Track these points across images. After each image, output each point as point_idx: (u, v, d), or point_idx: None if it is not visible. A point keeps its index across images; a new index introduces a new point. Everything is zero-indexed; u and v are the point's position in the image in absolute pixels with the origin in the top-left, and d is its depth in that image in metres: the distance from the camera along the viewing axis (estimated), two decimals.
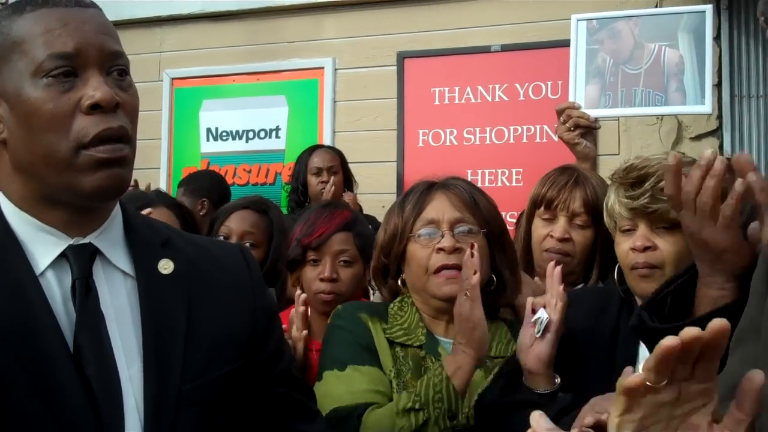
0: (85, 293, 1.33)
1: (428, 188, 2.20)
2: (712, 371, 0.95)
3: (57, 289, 1.34)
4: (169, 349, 1.34)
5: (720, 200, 1.55)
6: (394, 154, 5.17)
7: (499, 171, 4.95)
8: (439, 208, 2.14)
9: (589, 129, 2.82)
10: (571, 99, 2.88)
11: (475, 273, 1.92)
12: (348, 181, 4.54)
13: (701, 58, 2.74)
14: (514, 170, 4.91)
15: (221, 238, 2.99)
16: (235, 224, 3.06)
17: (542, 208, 2.46)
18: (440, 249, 2.07)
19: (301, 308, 2.36)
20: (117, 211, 1.46)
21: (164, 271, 1.43)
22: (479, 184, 4.76)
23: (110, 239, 1.42)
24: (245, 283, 1.54)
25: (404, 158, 5.14)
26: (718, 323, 0.89)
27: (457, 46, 5.10)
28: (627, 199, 1.95)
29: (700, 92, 2.73)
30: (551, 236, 2.43)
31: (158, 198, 2.97)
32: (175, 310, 1.40)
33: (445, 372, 1.90)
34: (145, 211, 2.41)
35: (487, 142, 5.00)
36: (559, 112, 2.86)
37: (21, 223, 1.37)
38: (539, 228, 2.47)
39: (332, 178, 4.38)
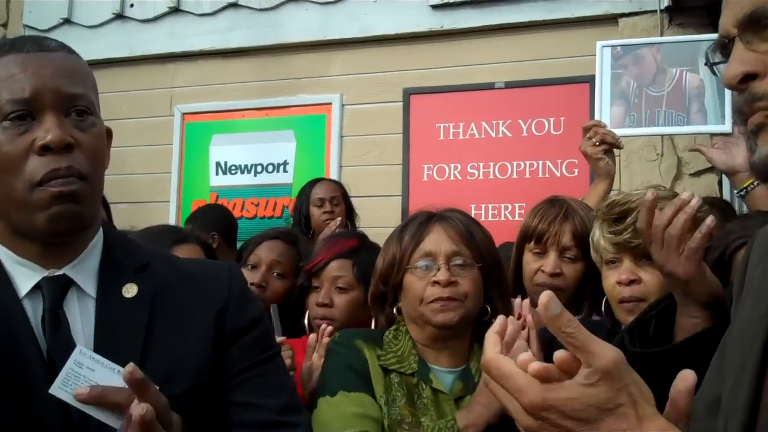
0: (55, 324, 1.39)
1: (427, 219, 2.25)
2: None
3: (32, 316, 1.40)
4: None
5: (687, 235, 1.65)
6: (399, 189, 5.25)
7: (502, 205, 5.02)
8: (437, 240, 2.19)
9: (612, 146, 2.93)
10: (596, 118, 3.00)
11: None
12: (350, 213, 4.57)
13: (720, 82, 2.84)
14: (517, 205, 4.98)
15: (249, 266, 3.06)
16: (264, 253, 3.10)
17: (533, 242, 2.52)
18: (435, 282, 2.13)
19: (325, 339, 2.39)
20: (97, 240, 1.52)
21: (127, 294, 1.47)
22: (482, 219, 4.94)
23: (86, 269, 1.48)
24: (220, 299, 1.56)
25: (409, 192, 5.22)
26: (544, 296, 0.97)
27: (462, 83, 5.20)
28: (611, 234, 2.03)
29: (720, 112, 2.84)
30: (542, 271, 2.48)
31: (192, 237, 3.02)
32: (132, 332, 1.44)
33: (457, 425, 1.96)
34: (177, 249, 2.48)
35: (491, 176, 5.08)
36: (586, 129, 2.97)
37: (2, 255, 1.45)
38: (530, 262, 2.53)
39: (337, 209, 4.42)
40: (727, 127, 2.83)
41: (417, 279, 2.16)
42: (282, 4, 5.64)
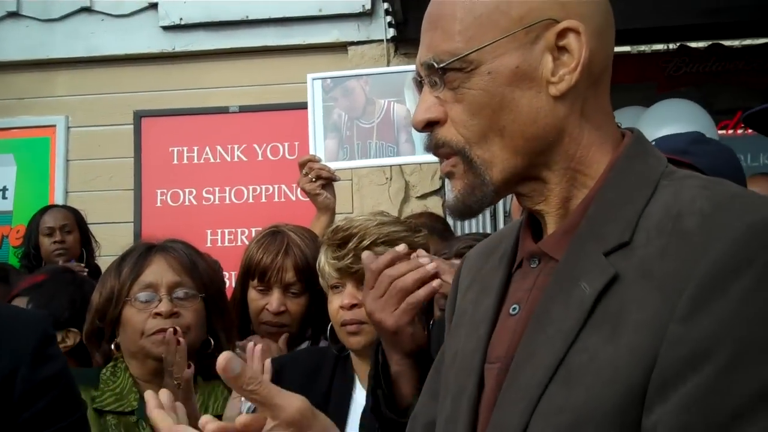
0: None
1: (147, 250, 2.19)
2: None
3: None
4: None
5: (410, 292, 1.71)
6: (131, 215, 5.07)
7: (239, 230, 4.99)
8: (158, 271, 2.14)
9: (329, 180, 2.94)
10: (311, 152, 3.01)
11: None
12: (86, 242, 4.36)
13: None
14: (253, 229, 4.94)
15: None
16: None
17: (256, 280, 2.50)
18: (157, 314, 2.07)
19: None
20: None
21: None
22: (219, 244, 4.88)
23: None
24: (18, 351, 1.45)
25: (142, 218, 5.05)
26: (222, 359, 1.01)
27: (196, 106, 5.13)
28: (334, 260, 2.06)
29: None
30: (267, 309, 2.47)
31: None
32: None
33: None
34: None
35: (227, 201, 5.04)
36: (302, 165, 2.96)
37: None
38: (255, 299, 2.49)
39: (69, 238, 4.20)
40: (434, 156, 2.98)
41: (137, 311, 2.09)
42: None
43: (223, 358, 0.98)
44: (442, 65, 1.06)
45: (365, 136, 3.02)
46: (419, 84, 1.14)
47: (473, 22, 1.06)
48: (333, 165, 2.97)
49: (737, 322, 0.90)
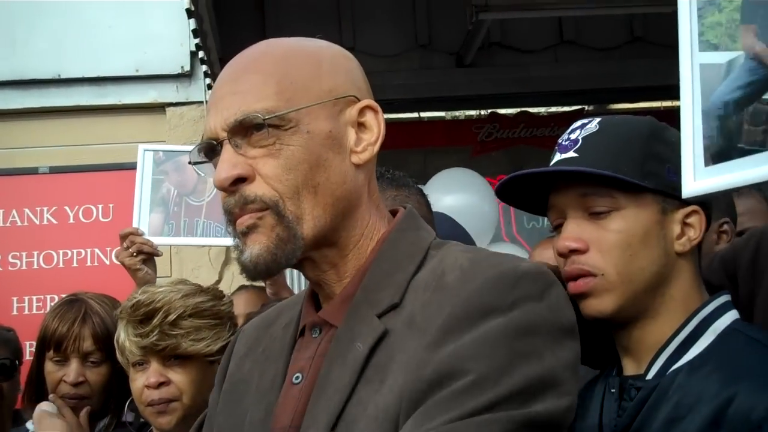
0: None
1: None
2: None
3: None
4: None
5: None
6: None
7: (48, 297, 4.72)
8: None
9: (150, 256, 2.85)
10: (135, 225, 2.91)
11: None
12: None
13: None
14: (64, 296, 4.72)
15: None
16: None
17: (52, 351, 2.37)
18: None
19: None
20: None
21: None
22: (26, 311, 4.62)
23: None
24: None
25: None
26: None
27: (2, 167, 4.87)
28: (137, 337, 1.99)
29: None
30: (65, 381, 2.34)
31: None
32: None
33: None
34: None
35: (35, 266, 4.76)
36: (123, 237, 2.85)
37: None
38: (52, 372, 2.35)
39: None
40: None
41: None
42: None
43: None
44: (267, 117, 1.10)
45: (193, 213, 2.96)
46: (211, 149, 1.16)
47: (289, 86, 1.12)
48: (156, 240, 2.88)
49: (482, 350, 0.98)
